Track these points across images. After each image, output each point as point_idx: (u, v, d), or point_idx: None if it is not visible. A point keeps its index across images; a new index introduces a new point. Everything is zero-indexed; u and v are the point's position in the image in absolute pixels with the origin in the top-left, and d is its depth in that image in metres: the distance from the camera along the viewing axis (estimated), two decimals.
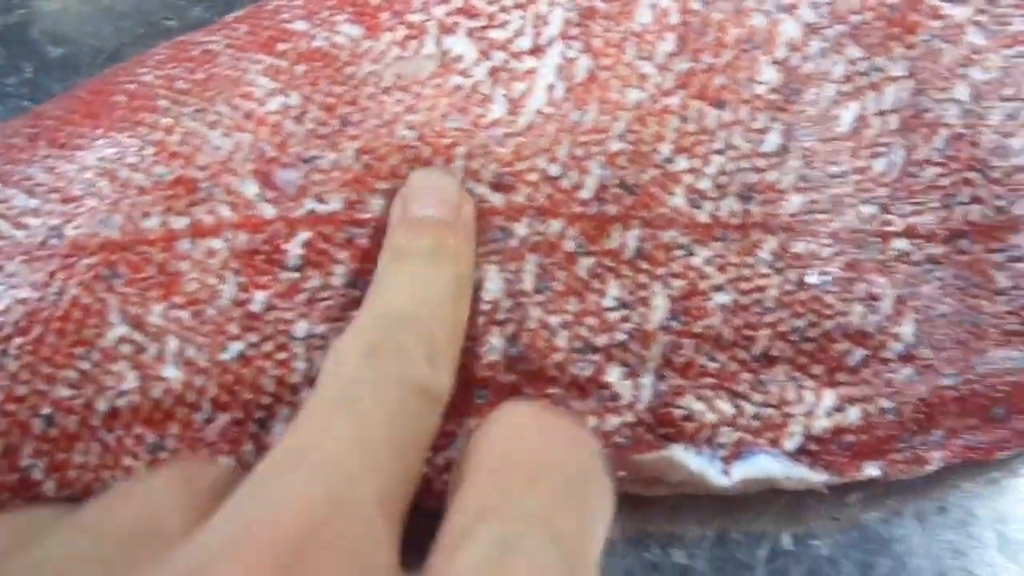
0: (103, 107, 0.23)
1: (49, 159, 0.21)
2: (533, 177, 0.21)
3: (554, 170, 0.21)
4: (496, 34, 0.23)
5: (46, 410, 0.19)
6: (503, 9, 0.23)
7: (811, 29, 0.23)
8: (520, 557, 0.12)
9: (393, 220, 0.19)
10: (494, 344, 0.20)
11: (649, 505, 0.21)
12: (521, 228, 0.21)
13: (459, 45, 0.22)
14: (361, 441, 0.14)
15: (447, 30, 0.23)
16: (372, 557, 0.12)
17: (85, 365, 0.19)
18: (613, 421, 0.20)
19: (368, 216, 0.20)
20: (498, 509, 0.13)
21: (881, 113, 0.22)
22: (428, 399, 0.15)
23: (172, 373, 0.19)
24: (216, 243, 0.20)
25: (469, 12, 0.23)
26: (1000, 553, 0.21)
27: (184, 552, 0.12)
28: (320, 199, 0.20)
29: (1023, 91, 0.22)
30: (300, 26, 0.24)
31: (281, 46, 0.23)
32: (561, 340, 0.20)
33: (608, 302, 0.20)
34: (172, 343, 0.20)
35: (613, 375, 0.20)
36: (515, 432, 0.15)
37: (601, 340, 0.20)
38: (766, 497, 0.21)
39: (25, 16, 0.29)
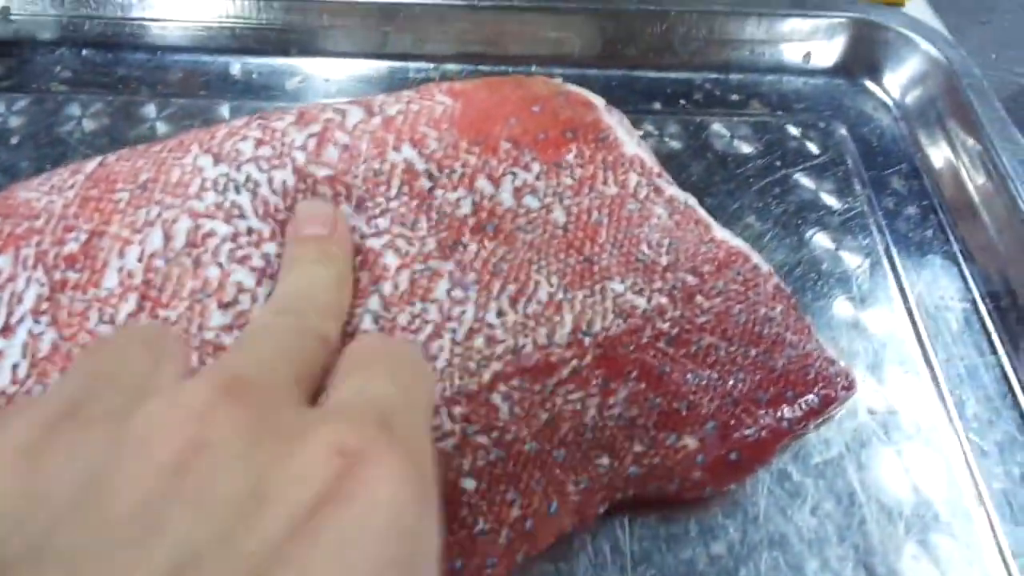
0: None
1: None
2: None
3: None
4: None
5: None
6: None
7: (262, 273, 0.27)
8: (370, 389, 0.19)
9: (288, 238, 0.27)
10: None
11: None
12: None
13: None
14: (275, 350, 0.20)
15: None
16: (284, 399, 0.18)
17: None
18: None
19: None
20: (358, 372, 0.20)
21: None
22: (319, 338, 0.22)
23: None
24: None
25: None
26: None
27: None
28: None
29: (429, 294, 0.28)
30: None
31: None
32: None
33: None
34: None
35: None
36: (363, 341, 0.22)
37: None
38: None
39: None
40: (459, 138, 0.31)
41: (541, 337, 0.28)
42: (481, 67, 0.43)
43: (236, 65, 0.43)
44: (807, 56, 0.44)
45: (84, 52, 0.43)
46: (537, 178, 0.31)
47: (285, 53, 0.43)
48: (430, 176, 0.30)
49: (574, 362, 0.28)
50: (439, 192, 0.30)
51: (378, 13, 0.42)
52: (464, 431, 0.27)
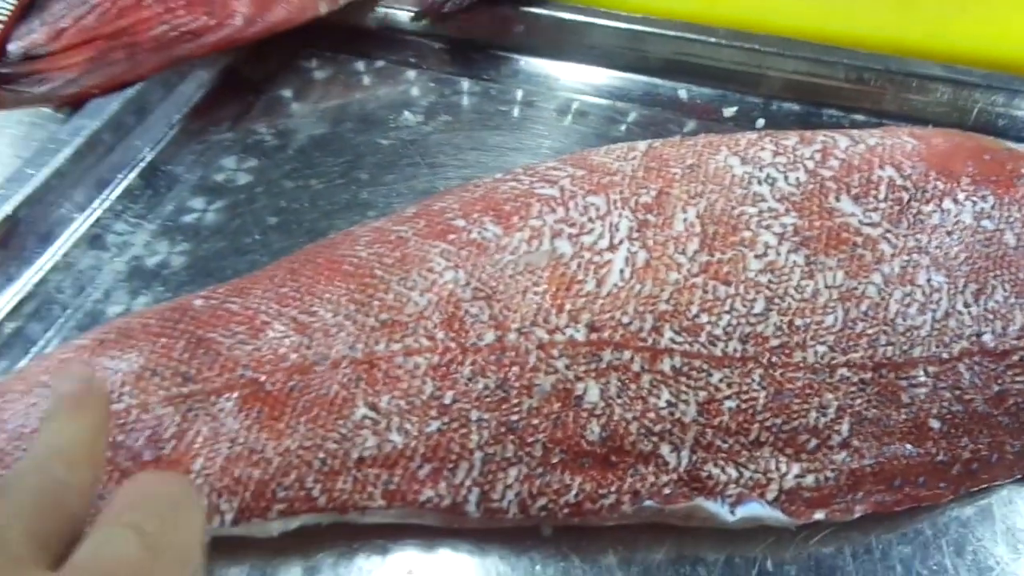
0: (338, 272, 0.36)
1: (313, 306, 0.35)
2: (612, 323, 0.34)
3: (625, 319, 0.34)
4: (585, 239, 0.36)
5: (321, 455, 0.32)
6: (590, 220, 0.37)
7: (781, 237, 0.37)
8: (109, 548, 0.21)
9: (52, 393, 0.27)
10: (593, 430, 0.32)
11: (682, 533, 0.33)
12: (607, 355, 0.33)
13: (563, 246, 0.36)
14: (11, 513, 0.21)
15: (556, 234, 0.37)
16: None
17: (343, 430, 0.32)
18: (663, 479, 0.33)
19: (508, 344, 0.33)
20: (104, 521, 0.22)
21: (828, 287, 0.35)
22: (64, 490, 0.22)
23: (396, 438, 0.32)
24: (420, 360, 0.33)
25: (568, 221, 0.37)
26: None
27: None
28: (480, 338, 0.33)
29: (915, 280, 0.36)
30: (460, 223, 0.38)
31: (450, 236, 0.37)
32: (633, 428, 0.33)
33: (661, 403, 0.33)
34: (395, 420, 0.32)
35: (664, 450, 0.33)
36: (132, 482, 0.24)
37: (657, 428, 0.33)
38: (758, 532, 0.33)
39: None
40: (928, 169, 0.39)
41: (998, 328, 0.35)
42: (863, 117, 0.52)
43: (683, 91, 0.54)
44: None
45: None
46: (993, 208, 0.38)
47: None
48: (907, 190, 0.38)
49: (1022, 352, 0.35)
50: (914, 204, 0.38)
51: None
52: (934, 385, 0.34)
